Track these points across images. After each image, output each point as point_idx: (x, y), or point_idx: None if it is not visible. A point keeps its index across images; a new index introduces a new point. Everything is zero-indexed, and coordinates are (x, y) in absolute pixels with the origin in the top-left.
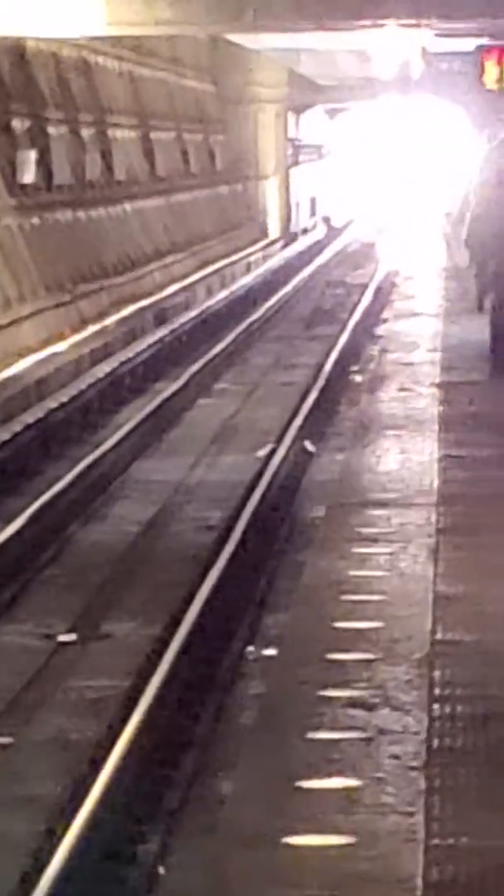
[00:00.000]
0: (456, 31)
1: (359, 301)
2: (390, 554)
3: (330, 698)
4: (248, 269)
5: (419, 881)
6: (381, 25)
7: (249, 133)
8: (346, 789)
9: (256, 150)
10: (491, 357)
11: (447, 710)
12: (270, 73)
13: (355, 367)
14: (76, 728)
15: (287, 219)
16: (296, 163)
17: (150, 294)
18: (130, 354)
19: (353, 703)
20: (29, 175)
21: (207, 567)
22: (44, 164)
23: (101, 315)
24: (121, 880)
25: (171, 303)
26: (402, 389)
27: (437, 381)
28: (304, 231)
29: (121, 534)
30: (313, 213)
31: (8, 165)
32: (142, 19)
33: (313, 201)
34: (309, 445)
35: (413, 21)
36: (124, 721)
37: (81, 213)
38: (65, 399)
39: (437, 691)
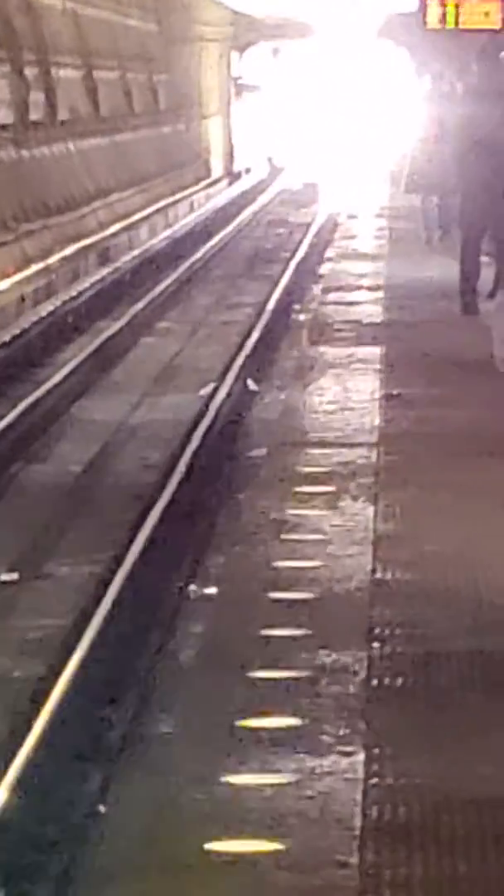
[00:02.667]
0: None
1: (301, 240)
2: (331, 494)
3: (270, 637)
4: (192, 208)
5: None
6: None
7: (193, 72)
8: (286, 728)
9: (200, 89)
10: (460, 296)
11: (386, 649)
12: (214, 13)
13: (297, 307)
14: (19, 666)
15: (230, 158)
16: (239, 102)
17: (93, 233)
18: (73, 293)
19: (294, 640)
20: None
21: (149, 506)
22: None
23: (45, 254)
24: (64, 818)
25: (115, 242)
26: (343, 329)
27: (378, 320)
28: (247, 170)
29: (62, 474)
30: (256, 153)
31: None
32: None
33: (255, 140)
34: (251, 384)
35: None
36: (65, 661)
37: (25, 153)
38: (7, 338)
39: (376, 630)
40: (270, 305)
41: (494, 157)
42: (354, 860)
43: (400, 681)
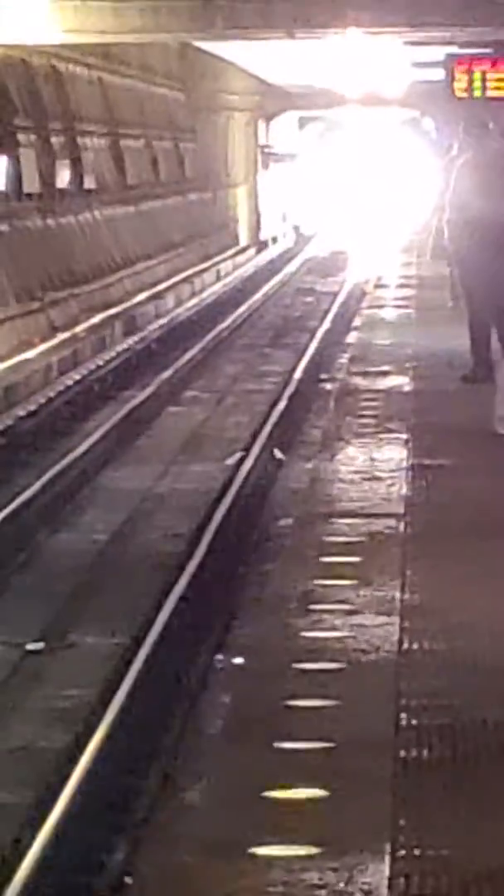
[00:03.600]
0: (425, 39)
1: (328, 309)
2: (358, 564)
3: (297, 708)
4: (219, 276)
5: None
6: (348, 32)
7: (219, 141)
8: (313, 799)
9: (227, 157)
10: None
11: (413, 720)
12: (241, 82)
13: (325, 376)
14: (45, 737)
15: (257, 227)
16: (266, 171)
17: (120, 302)
18: (100, 362)
19: (321, 711)
20: None
21: (175, 576)
22: (13, 171)
23: (71, 323)
24: (88, 889)
25: (141, 311)
26: (370, 399)
27: (406, 390)
28: (274, 239)
29: (89, 542)
30: (283, 222)
31: None
32: (111, 27)
33: (283, 209)
34: (278, 453)
35: (380, 29)
36: (91, 731)
37: (51, 221)
38: (33, 407)
39: (402, 701)
40: (297, 375)
41: (486, 230)
42: None
43: (427, 752)
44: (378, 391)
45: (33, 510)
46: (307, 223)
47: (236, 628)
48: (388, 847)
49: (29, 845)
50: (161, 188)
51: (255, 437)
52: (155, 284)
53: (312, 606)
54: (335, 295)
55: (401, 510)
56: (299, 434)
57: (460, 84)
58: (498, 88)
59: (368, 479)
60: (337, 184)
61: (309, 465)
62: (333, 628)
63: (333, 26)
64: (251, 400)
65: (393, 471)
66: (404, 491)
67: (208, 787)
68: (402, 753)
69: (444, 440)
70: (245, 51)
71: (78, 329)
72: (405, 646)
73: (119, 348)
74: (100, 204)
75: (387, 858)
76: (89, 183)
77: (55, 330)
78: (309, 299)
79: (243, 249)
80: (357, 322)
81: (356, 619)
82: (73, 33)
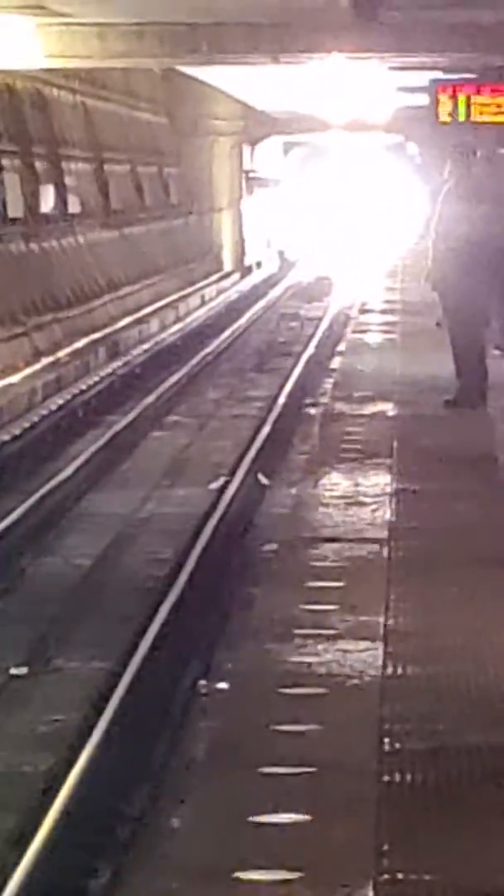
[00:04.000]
0: (410, 64)
1: (313, 334)
2: (341, 588)
3: (281, 732)
4: (203, 301)
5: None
6: (333, 57)
7: (204, 166)
8: (297, 823)
9: (211, 182)
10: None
11: (396, 744)
12: (225, 106)
13: (309, 401)
14: (28, 761)
15: (241, 252)
16: (250, 195)
17: (103, 326)
18: (83, 387)
19: (305, 736)
20: None
21: (159, 601)
22: None
23: (55, 347)
24: None
25: (125, 335)
26: (354, 424)
27: (390, 414)
28: (259, 264)
29: (72, 567)
30: (267, 247)
31: None
32: (95, 51)
33: (267, 234)
34: (262, 478)
35: (365, 54)
36: (75, 756)
37: (35, 245)
38: (17, 431)
39: (386, 726)
40: (281, 399)
41: (470, 256)
42: None
43: (410, 776)
44: (362, 416)
45: (16, 535)
46: (292, 248)
47: (220, 653)
48: (372, 872)
49: (11, 873)
50: (145, 213)
51: (239, 461)
52: (139, 309)
53: (296, 631)
54: (319, 320)
55: (385, 535)
56: (283, 459)
57: (445, 108)
58: (482, 113)
59: (353, 504)
60: (321, 209)
61: (293, 490)
62: (317, 653)
63: (318, 51)
64: (235, 425)
65: (377, 496)
66: (388, 516)
67: (193, 812)
68: (386, 778)
69: (428, 465)
70: (229, 75)
71: (61, 353)
72: (388, 670)
73: (102, 373)
74: (84, 228)
75: (371, 883)
76: (73, 207)
77: (39, 354)
78: (293, 324)
79: (227, 274)
80: (342, 347)
81: (340, 645)
82: (56, 58)
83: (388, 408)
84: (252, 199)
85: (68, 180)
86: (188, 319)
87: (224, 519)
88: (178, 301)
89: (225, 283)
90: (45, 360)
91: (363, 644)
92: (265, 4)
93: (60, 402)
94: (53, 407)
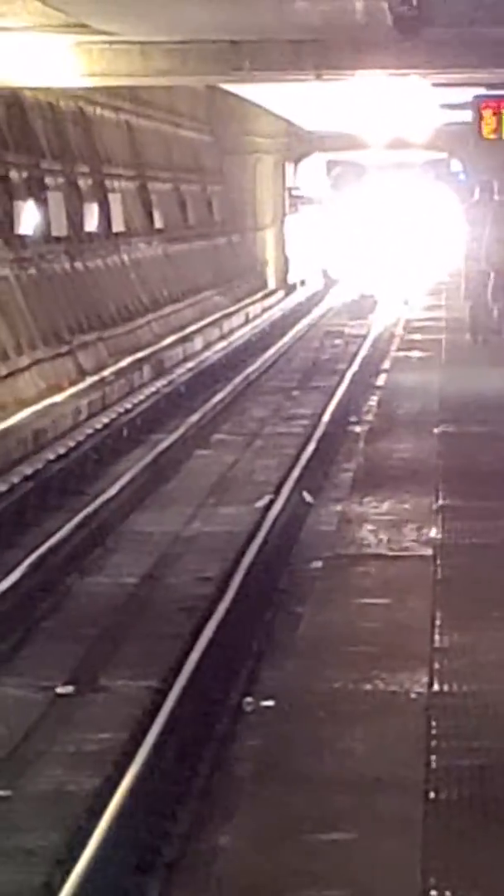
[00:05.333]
0: (453, 81)
1: (357, 352)
2: (387, 605)
3: (328, 749)
4: (247, 319)
5: None
6: (376, 74)
7: (247, 184)
8: (345, 840)
9: (254, 200)
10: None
11: (443, 761)
12: (269, 124)
13: (354, 418)
14: (74, 780)
15: (285, 270)
16: (293, 213)
17: (148, 345)
18: (128, 406)
19: (351, 753)
20: (26, 226)
21: (204, 619)
22: (41, 215)
23: (99, 366)
24: None
25: (169, 354)
26: (399, 441)
27: (436, 431)
28: (303, 282)
29: (117, 586)
30: (311, 265)
31: (5, 216)
32: (138, 70)
33: (311, 252)
34: (307, 496)
35: (408, 71)
36: (121, 774)
37: (79, 264)
38: (62, 450)
39: (433, 743)
40: (326, 417)
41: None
42: None
43: (457, 793)
44: (407, 433)
45: (62, 554)
46: (335, 266)
47: (266, 671)
48: (419, 889)
49: (58, 890)
50: (189, 231)
51: (283, 479)
52: (183, 327)
53: (342, 649)
54: (364, 338)
55: (430, 552)
56: (328, 477)
57: (489, 125)
58: None
59: (397, 522)
60: (365, 226)
61: (338, 508)
62: (363, 670)
63: (361, 68)
64: (280, 443)
65: (422, 513)
66: (433, 533)
67: (240, 829)
68: (433, 795)
69: (474, 482)
70: (273, 93)
71: (106, 372)
72: (435, 687)
73: (147, 391)
74: (127, 247)
75: None
76: (117, 226)
77: (83, 373)
78: (337, 342)
79: (271, 292)
80: (386, 364)
81: (386, 662)
82: (99, 76)
83: (433, 424)
84: (295, 217)
85: (112, 199)
86: (232, 337)
87: (269, 537)
88: (222, 319)
89: (269, 301)
90: (90, 379)
91: (410, 662)
92: (308, 21)
93: (105, 420)
94: (98, 426)
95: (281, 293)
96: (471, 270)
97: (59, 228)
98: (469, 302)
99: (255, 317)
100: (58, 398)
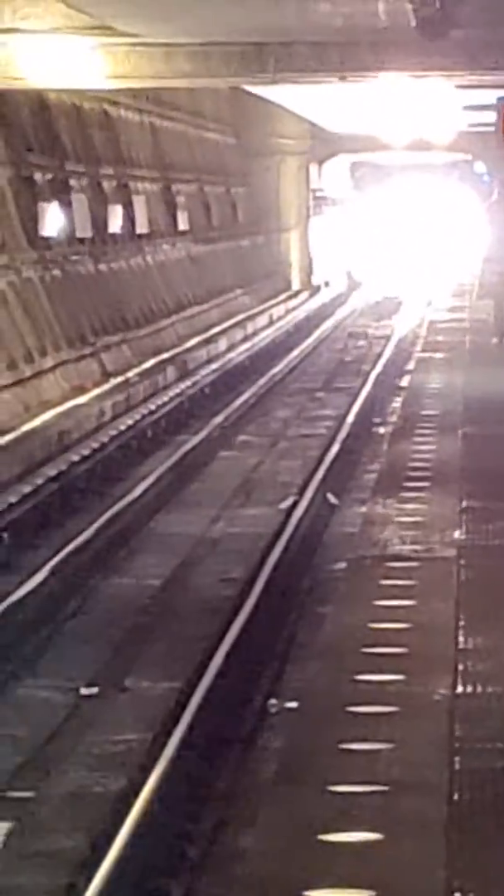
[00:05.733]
0: (477, 83)
1: (381, 353)
2: (411, 608)
3: (351, 751)
4: (271, 320)
5: None
6: (400, 75)
7: (271, 185)
8: (367, 842)
9: (278, 202)
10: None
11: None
12: (292, 126)
13: (378, 420)
14: (98, 782)
15: (309, 271)
16: (318, 215)
17: (172, 347)
18: (152, 407)
19: (375, 754)
20: (50, 228)
21: (229, 621)
22: (66, 216)
23: (124, 368)
24: None
25: (193, 355)
26: (423, 441)
27: (460, 432)
28: (327, 284)
29: (142, 587)
30: (335, 266)
31: (30, 218)
32: (162, 71)
33: (335, 254)
34: (331, 498)
35: (432, 72)
36: (146, 775)
37: (103, 266)
38: (86, 452)
39: (456, 745)
40: (350, 418)
41: None
42: None
43: (480, 795)
44: (431, 434)
45: (87, 555)
46: (359, 268)
47: (290, 672)
48: (442, 891)
49: (83, 891)
50: (213, 233)
51: (308, 481)
52: (207, 329)
53: (365, 650)
54: (387, 339)
55: (454, 553)
56: (352, 478)
57: None
58: None
59: (421, 523)
60: (388, 228)
61: (362, 509)
62: (387, 672)
63: (385, 69)
64: (304, 444)
65: (446, 515)
66: (457, 535)
67: (263, 830)
68: (456, 797)
69: (496, 484)
70: (296, 95)
71: (130, 374)
72: (459, 689)
73: (172, 393)
74: (152, 249)
75: None
76: (141, 228)
77: (108, 375)
78: (361, 343)
79: (296, 294)
80: (410, 365)
81: (409, 663)
82: (123, 78)
83: (457, 425)
84: (320, 219)
85: (136, 200)
86: (256, 339)
87: (293, 539)
88: (246, 320)
89: (293, 303)
90: (114, 381)
91: (434, 663)
92: (331, 23)
93: (130, 422)
94: (123, 427)
95: (305, 294)
96: (489, 272)
97: (84, 230)
98: (489, 300)
99: (279, 318)
100: (82, 399)
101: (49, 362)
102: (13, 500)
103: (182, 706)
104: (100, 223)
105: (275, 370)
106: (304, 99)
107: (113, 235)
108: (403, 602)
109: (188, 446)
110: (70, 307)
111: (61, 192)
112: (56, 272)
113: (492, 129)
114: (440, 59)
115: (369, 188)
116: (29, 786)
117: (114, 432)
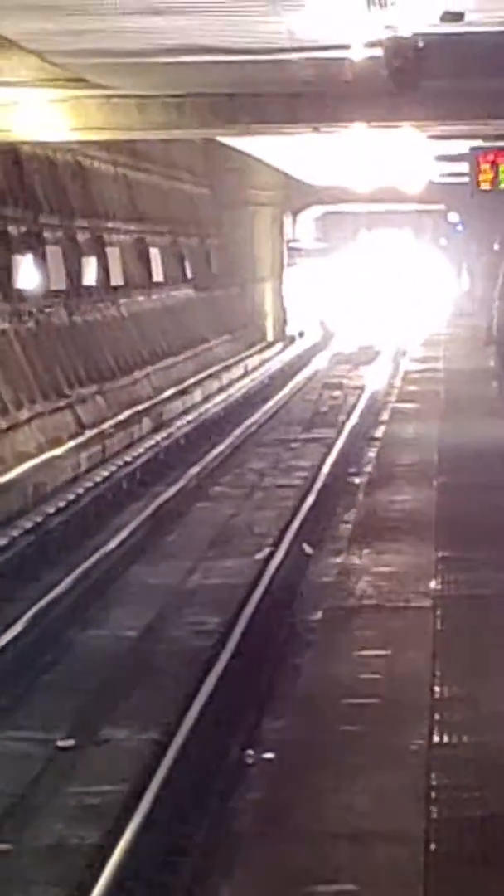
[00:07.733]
0: (450, 133)
1: (356, 403)
2: (387, 657)
3: (328, 803)
4: (246, 371)
5: None
6: (375, 126)
7: (245, 236)
8: (346, 893)
9: (253, 253)
10: None
11: (444, 813)
12: (266, 177)
13: (353, 470)
14: (75, 834)
15: (284, 322)
16: (292, 266)
17: (147, 398)
18: (128, 459)
19: (351, 807)
20: (24, 280)
21: (205, 672)
22: (40, 268)
23: (99, 419)
24: None
25: (169, 406)
26: (398, 491)
27: (435, 483)
28: (301, 334)
29: (118, 639)
30: (309, 317)
31: (3, 271)
32: (135, 123)
33: (309, 304)
34: (307, 548)
35: (405, 123)
36: (122, 827)
37: (78, 318)
38: (62, 504)
39: (433, 794)
40: (325, 469)
41: None
42: None
43: (457, 845)
44: (406, 484)
45: (63, 607)
46: (333, 318)
47: (266, 723)
48: None
49: None
50: (187, 284)
51: (283, 532)
52: (182, 380)
53: (342, 700)
54: (362, 389)
55: (429, 603)
56: (328, 528)
57: (486, 177)
58: None
59: (396, 573)
60: (362, 278)
61: (338, 559)
62: (363, 722)
63: (358, 120)
64: (279, 495)
65: (421, 564)
66: (433, 585)
67: (240, 882)
68: (433, 847)
69: (471, 534)
70: (270, 146)
71: (105, 426)
72: (436, 738)
73: (147, 444)
74: (126, 300)
75: None
76: (115, 279)
77: (83, 427)
78: (336, 393)
79: (270, 344)
80: (384, 416)
81: (387, 712)
82: (96, 130)
83: (432, 475)
84: (294, 270)
85: (110, 252)
86: (231, 389)
87: (269, 590)
88: (222, 371)
89: (268, 353)
90: (90, 433)
91: (410, 712)
92: (303, 75)
93: (105, 473)
94: (98, 479)
95: (279, 345)
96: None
97: (58, 282)
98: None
99: (254, 369)
100: (58, 451)
101: (24, 414)
102: None
103: (159, 758)
104: (74, 275)
105: (250, 421)
106: (277, 150)
107: (87, 287)
108: (380, 652)
109: (164, 497)
110: (45, 359)
111: (35, 244)
112: (30, 324)
113: (465, 178)
114: (414, 110)
115: (343, 239)
116: (6, 838)
117: (89, 484)
